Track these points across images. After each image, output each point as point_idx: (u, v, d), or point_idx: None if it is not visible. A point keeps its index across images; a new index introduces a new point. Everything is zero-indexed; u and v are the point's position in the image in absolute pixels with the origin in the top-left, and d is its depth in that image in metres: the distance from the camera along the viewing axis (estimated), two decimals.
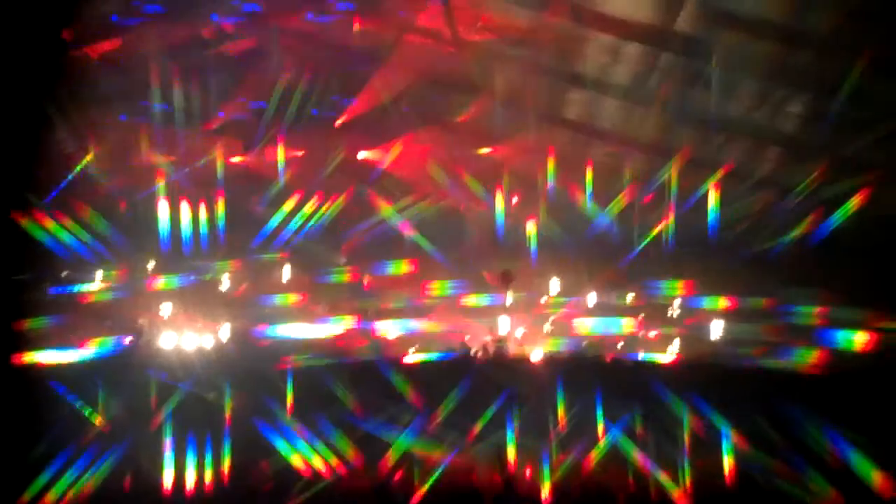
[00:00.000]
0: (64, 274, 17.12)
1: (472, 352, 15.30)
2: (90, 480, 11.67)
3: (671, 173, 16.64)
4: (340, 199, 17.80)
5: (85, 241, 16.88)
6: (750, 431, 12.30)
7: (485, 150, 17.45)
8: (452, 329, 16.19)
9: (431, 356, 15.01)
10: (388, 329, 16.63)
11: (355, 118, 17.19)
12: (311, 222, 17.85)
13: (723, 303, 16.21)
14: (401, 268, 17.66)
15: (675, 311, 16.46)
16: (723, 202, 16.63)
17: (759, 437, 12.20)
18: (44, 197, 16.45)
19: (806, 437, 11.85)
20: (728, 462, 12.06)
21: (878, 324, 14.48)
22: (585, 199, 17.30)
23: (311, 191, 17.84)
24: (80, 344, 15.25)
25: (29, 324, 15.77)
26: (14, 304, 15.79)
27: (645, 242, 16.93)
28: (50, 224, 16.44)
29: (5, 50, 14.14)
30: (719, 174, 16.47)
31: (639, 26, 14.48)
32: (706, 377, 13.56)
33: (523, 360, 14.71)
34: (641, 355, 15.30)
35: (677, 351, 15.57)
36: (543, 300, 17.01)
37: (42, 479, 11.44)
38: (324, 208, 17.82)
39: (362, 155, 17.85)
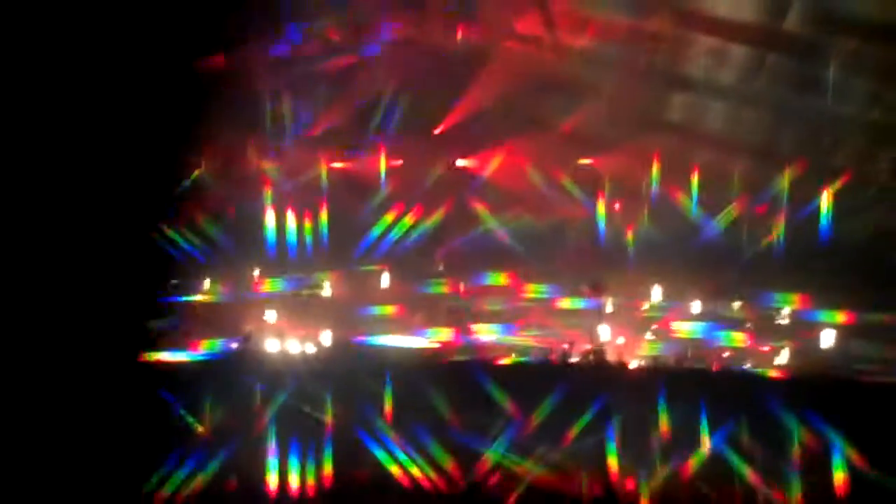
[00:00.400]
0: (175, 280, 17.73)
1: (572, 358, 15.08)
2: (193, 483, 12.01)
3: (785, 180, 16.02)
4: (441, 209, 17.82)
5: (197, 247, 17.40)
6: (867, 451, 11.69)
7: (587, 157, 17.20)
8: (552, 335, 15.97)
9: (529, 360, 14.83)
10: (486, 334, 16.55)
11: (455, 126, 17.18)
12: (413, 232, 17.91)
13: (840, 316, 15.45)
14: (500, 278, 17.52)
15: (786, 322, 15.80)
16: (841, 211, 15.90)
17: (878, 456, 11.59)
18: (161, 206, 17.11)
19: None
20: (838, 480, 11.51)
21: None
22: (691, 206, 16.81)
23: (412, 200, 17.93)
24: (190, 347, 15.72)
25: (147, 325, 16.48)
26: (136, 306, 16.62)
27: (755, 251, 16.28)
28: (166, 231, 17.04)
29: (132, 67, 14.95)
30: (837, 182, 15.76)
31: (745, 27, 13.99)
32: (819, 391, 12.95)
33: (623, 368, 14.34)
34: (749, 366, 14.74)
35: (788, 363, 14.95)
36: (645, 307, 16.61)
37: (153, 478, 11.85)
38: (424, 218, 17.87)
39: (462, 163, 17.85)
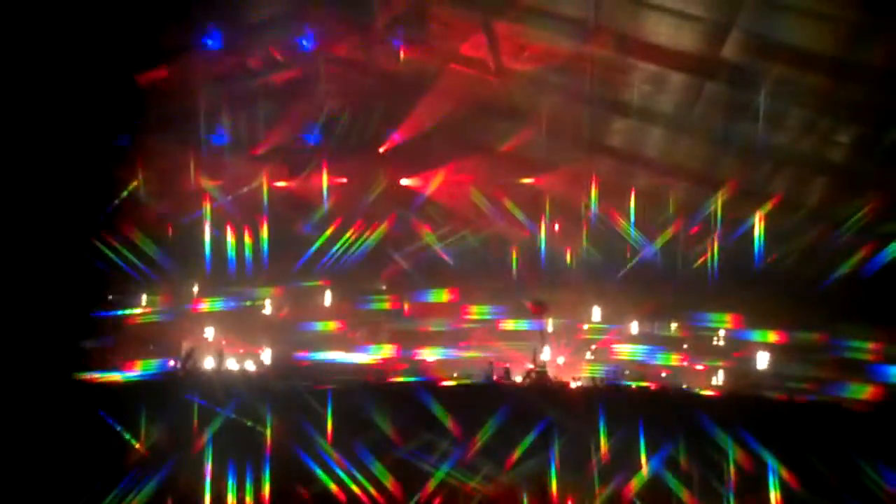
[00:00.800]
0: (110, 296, 17.40)
1: (513, 378, 15.20)
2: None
3: (718, 203, 16.45)
4: (383, 227, 17.87)
5: (132, 263, 17.10)
6: (797, 467, 12.02)
7: (528, 179, 17.44)
8: (492, 355, 16.10)
9: (470, 381, 14.91)
10: (427, 354, 16.61)
11: (399, 146, 17.28)
12: (354, 249, 17.92)
13: (772, 336, 15.91)
14: (441, 296, 17.63)
15: (721, 342, 16.20)
16: (772, 234, 16.37)
17: (807, 473, 11.92)
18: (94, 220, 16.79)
19: (857, 474, 11.51)
20: (773, 498, 11.79)
21: None
22: (629, 228, 17.15)
23: (353, 217, 17.94)
24: (124, 366, 15.42)
25: (80, 344, 16.12)
26: (67, 324, 16.27)
27: (689, 272, 16.66)
28: (100, 246, 16.71)
29: (66, 78, 14.66)
30: (768, 205, 16.23)
31: (683, 55, 14.37)
32: (752, 410, 13.28)
33: (563, 388, 14.53)
34: (686, 386, 15.07)
35: (723, 383, 15.32)
36: (585, 327, 16.87)
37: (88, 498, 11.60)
38: (366, 235, 17.90)
39: (405, 182, 17.95)
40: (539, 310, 16.13)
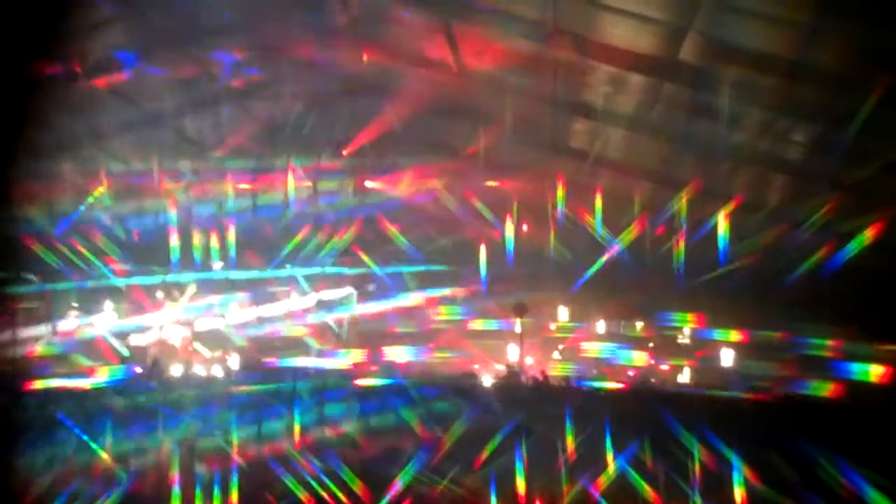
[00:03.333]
0: (75, 303, 17.24)
1: (482, 378, 15.25)
2: None
3: (681, 204, 16.59)
4: (351, 230, 17.85)
5: (96, 269, 16.96)
6: (761, 464, 12.16)
7: (493, 181, 17.50)
8: (462, 355, 16.16)
9: (440, 381, 14.96)
10: (397, 354, 16.63)
11: (363, 147, 17.26)
12: (322, 253, 17.89)
13: (734, 335, 16.08)
14: (410, 296, 17.66)
15: (685, 341, 16.36)
16: (734, 233, 16.53)
17: (770, 470, 12.06)
18: (57, 226, 16.64)
19: (818, 470, 11.68)
20: (737, 495, 11.93)
21: (892, 356, 14.28)
22: (595, 228, 17.26)
23: (321, 221, 17.92)
24: (89, 373, 15.29)
25: (39, 351, 15.95)
26: (25, 330, 16.09)
27: (654, 272, 16.78)
28: (62, 253, 16.55)
29: (18, 80, 14.43)
30: (730, 205, 16.39)
31: (642, 57, 14.48)
32: (717, 408, 13.43)
33: (532, 387, 14.60)
34: (651, 385, 15.19)
35: (688, 382, 15.46)
36: (553, 327, 16.98)
37: None
38: (334, 238, 17.87)
39: (370, 184, 17.95)
40: (518, 311, 16.18)
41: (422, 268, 17.78)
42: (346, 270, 17.92)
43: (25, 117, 14.98)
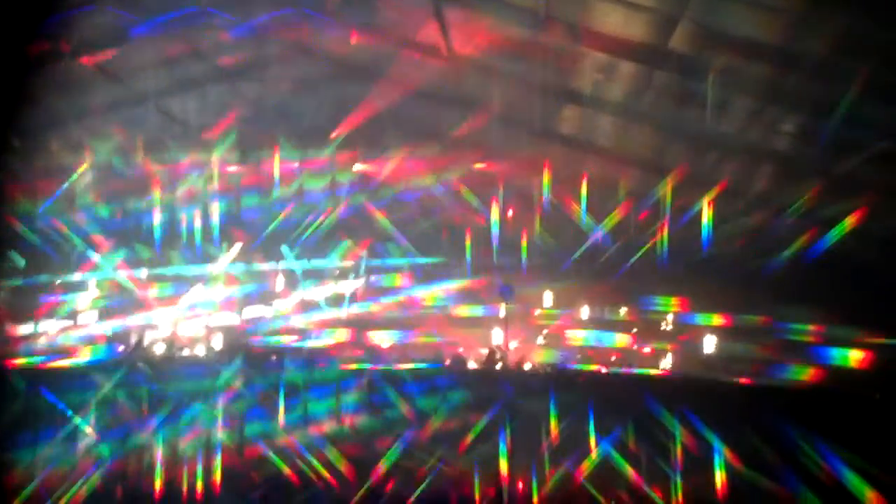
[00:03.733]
0: (58, 281, 17.18)
1: (466, 362, 15.33)
2: (81, 489, 11.69)
3: (666, 190, 16.69)
4: (336, 212, 17.85)
5: (81, 248, 16.89)
6: (742, 448, 12.30)
7: (480, 165, 17.54)
8: (446, 340, 16.23)
9: (425, 366, 15.03)
10: (382, 339, 16.69)
11: (352, 131, 17.23)
12: (307, 234, 17.88)
13: (717, 319, 16.23)
14: (395, 280, 17.70)
15: (668, 326, 16.50)
16: (718, 220, 16.65)
17: (752, 454, 12.20)
18: (41, 204, 16.54)
19: (799, 454, 11.82)
20: (719, 479, 12.07)
21: (872, 341, 14.47)
22: (580, 214, 17.36)
23: (307, 202, 17.90)
24: (72, 351, 15.27)
25: (23, 329, 15.91)
26: (8, 308, 16.04)
27: (638, 257, 16.90)
28: (47, 231, 16.47)
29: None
30: (714, 192, 16.50)
31: (633, 44, 14.53)
32: (698, 393, 13.56)
33: (516, 372, 14.72)
34: (634, 369, 15.34)
35: (670, 366, 15.61)
36: (537, 312, 17.06)
37: (32, 487, 11.46)
38: (319, 220, 17.86)
39: (358, 168, 17.94)
40: (505, 294, 16.25)
41: (408, 254, 17.82)
42: (333, 258, 17.98)
43: (13, 97, 14.96)
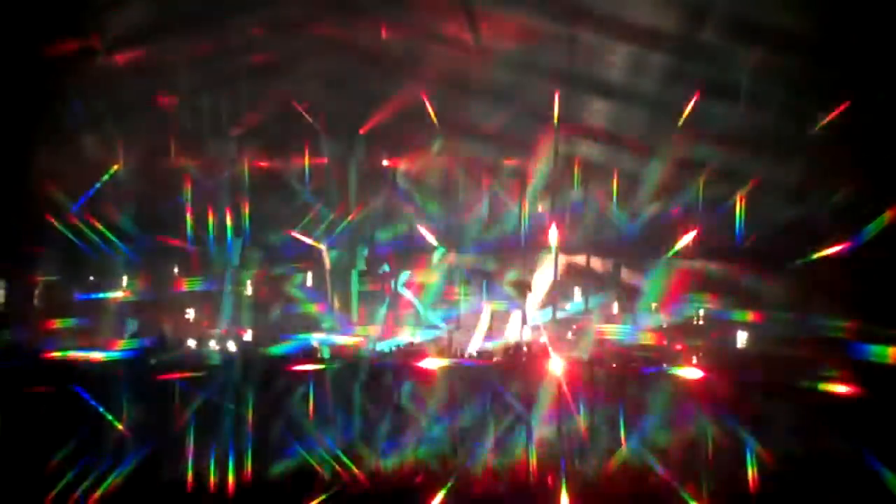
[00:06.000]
0: (91, 277, 17.38)
1: (494, 358, 15.31)
2: (112, 483, 11.82)
3: (699, 184, 16.51)
4: (366, 208, 17.88)
5: (113, 245, 17.07)
6: (776, 447, 12.15)
7: (510, 158, 17.47)
8: (473, 335, 16.23)
9: (453, 362, 15.01)
10: (409, 334, 16.69)
11: (380, 125, 17.23)
12: (337, 230, 17.92)
13: (750, 316, 16.02)
14: (425, 275, 17.69)
15: (700, 322, 16.32)
16: (752, 215, 16.44)
17: (786, 453, 12.05)
18: (75, 201, 16.75)
19: (836, 453, 11.65)
20: (752, 477, 11.93)
21: None
22: (611, 208, 17.23)
23: (337, 199, 17.94)
24: (105, 346, 15.42)
25: (57, 324, 16.13)
26: (43, 304, 16.29)
27: (671, 253, 16.72)
28: (80, 228, 16.67)
29: (36, 56, 14.55)
30: (747, 187, 16.29)
31: (661, 35, 14.39)
32: (732, 390, 13.39)
33: (544, 367, 14.62)
34: (665, 366, 15.17)
35: (702, 363, 15.41)
36: (567, 307, 16.98)
37: (65, 481, 11.60)
38: (350, 216, 17.90)
39: (387, 162, 17.94)
40: (520, 289, 16.24)
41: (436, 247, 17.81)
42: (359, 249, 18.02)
43: (45, 95, 15.23)
